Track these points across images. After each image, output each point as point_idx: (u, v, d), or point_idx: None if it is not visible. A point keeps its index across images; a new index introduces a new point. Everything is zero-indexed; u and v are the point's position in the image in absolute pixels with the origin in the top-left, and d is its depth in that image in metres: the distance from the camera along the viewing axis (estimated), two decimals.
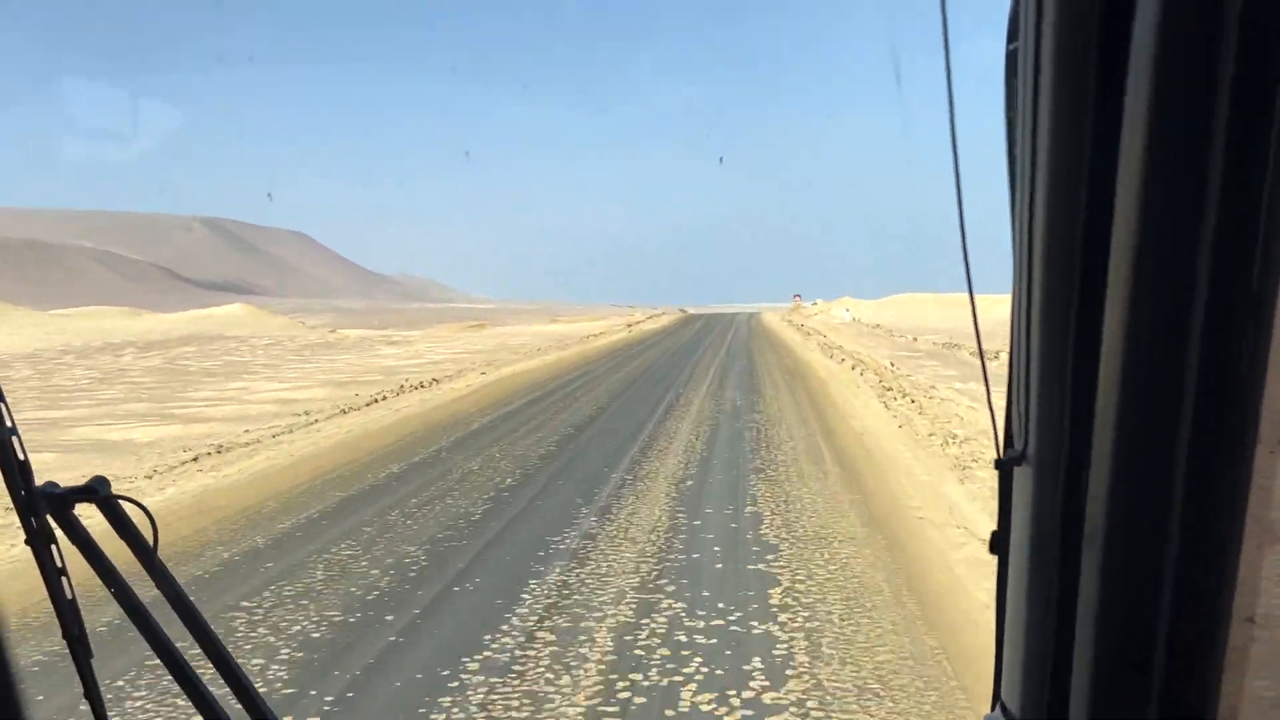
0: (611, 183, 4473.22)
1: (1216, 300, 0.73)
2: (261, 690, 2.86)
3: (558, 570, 7.92)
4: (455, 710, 5.30)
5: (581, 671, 5.74)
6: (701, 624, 6.52)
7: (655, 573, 7.77)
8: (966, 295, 1.00)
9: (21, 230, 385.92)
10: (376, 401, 20.41)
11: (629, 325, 67.57)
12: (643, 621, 6.60)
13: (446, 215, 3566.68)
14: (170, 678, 1.43)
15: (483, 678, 5.70)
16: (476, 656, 6.04)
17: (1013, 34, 0.87)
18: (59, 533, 1.34)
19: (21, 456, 1.28)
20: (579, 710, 5.23)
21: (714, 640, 6.21)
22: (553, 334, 55.55)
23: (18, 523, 1.36)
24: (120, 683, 5.73)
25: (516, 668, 5.83)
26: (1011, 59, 0.88)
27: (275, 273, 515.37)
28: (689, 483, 11.48)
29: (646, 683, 5.56)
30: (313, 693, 5.58)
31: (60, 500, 1.32)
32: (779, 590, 7.25)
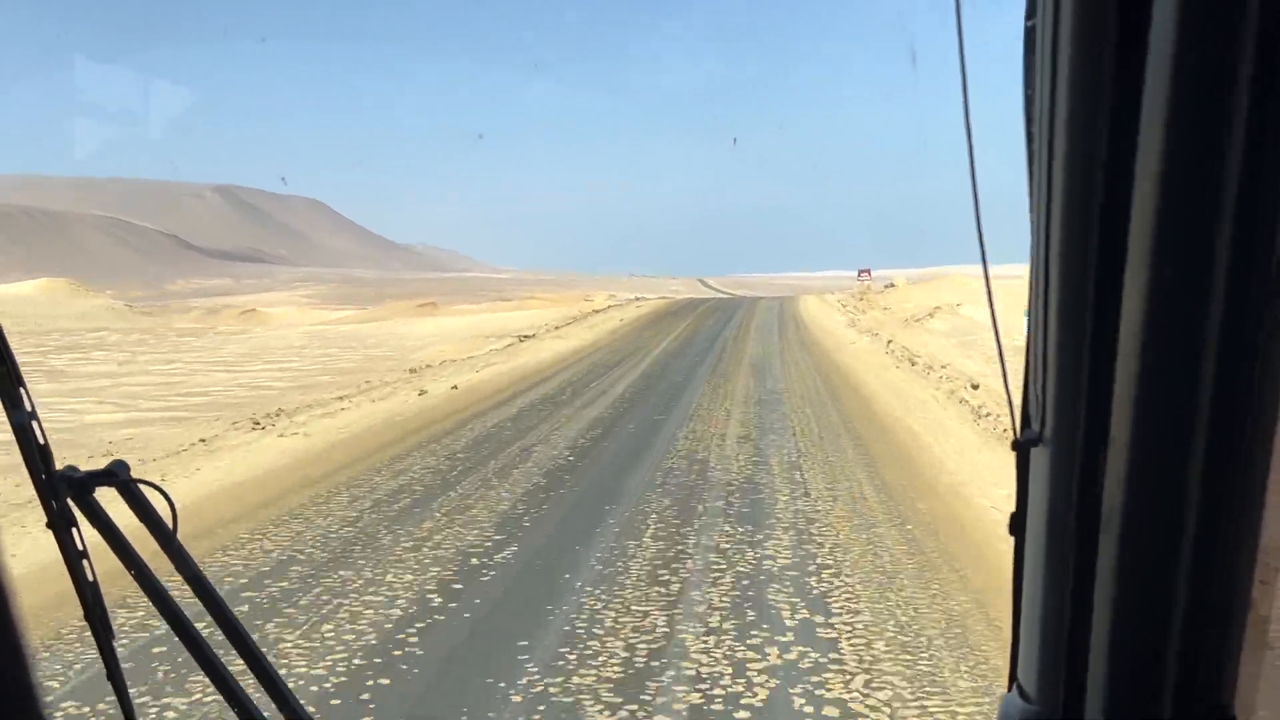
0: (631, 157, 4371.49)
1: (1236, 281, 0.72)
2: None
3: None
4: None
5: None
6: None
7: None
8: None
9: (25, 198, 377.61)
10: None
11: (552, 329, 33.60)
12: None
13: (474, 188, 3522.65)
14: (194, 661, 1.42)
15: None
16: None
17: (1031, 10, 0.85)
18: (80, 516, 1.36)
19: (42, 441, 1.30)
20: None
21: None
22: (460, 334, 33.26)
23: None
24: None
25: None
26: (1029, 35, 0.86)
27: (290, 241, 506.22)
28: None
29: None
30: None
31: (80, 484, 1.34)
32: None
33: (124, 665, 1.45)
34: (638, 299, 60.97)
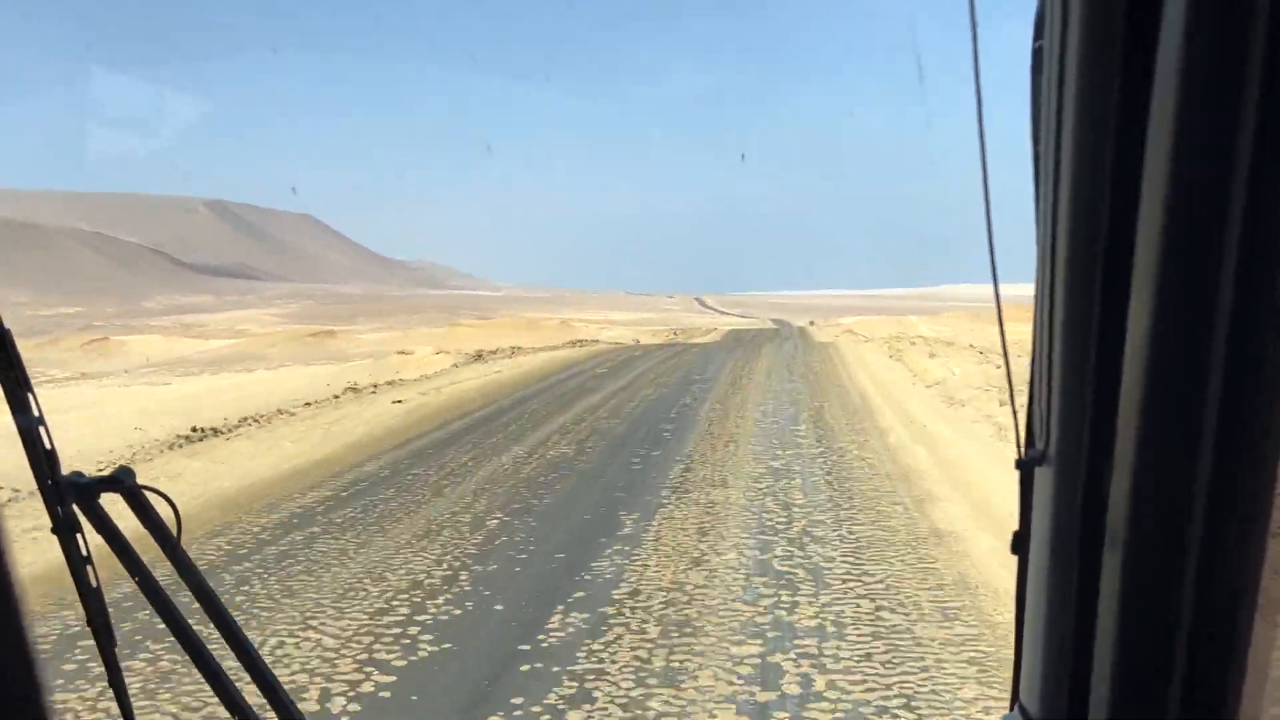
0: (635, 173, 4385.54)
1: (1241, 300, 0.72)
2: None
3: None
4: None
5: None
6: None
7: None
8: None
9: (9, 211, 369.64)
10: None
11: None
12: None
13: (473, 204, 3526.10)
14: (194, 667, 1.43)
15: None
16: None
17: (1039, 31, 0.86)
18: (84, 522, 1.37)
19: (48, 446, 1.32)
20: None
21: None
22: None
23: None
24: None
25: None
26: (1037, 56, 0.87)
27: (281, 257, 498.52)
28: None
29: None
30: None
31: (86, 489, 1.36)
32: None
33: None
34: (496, 353, 32.65)
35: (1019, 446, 0.97)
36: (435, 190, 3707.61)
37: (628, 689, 5.44)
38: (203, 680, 1.50)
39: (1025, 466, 0.95)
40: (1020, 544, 0.99)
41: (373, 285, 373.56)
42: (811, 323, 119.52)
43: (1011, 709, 1.00)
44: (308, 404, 18.97)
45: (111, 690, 1.44)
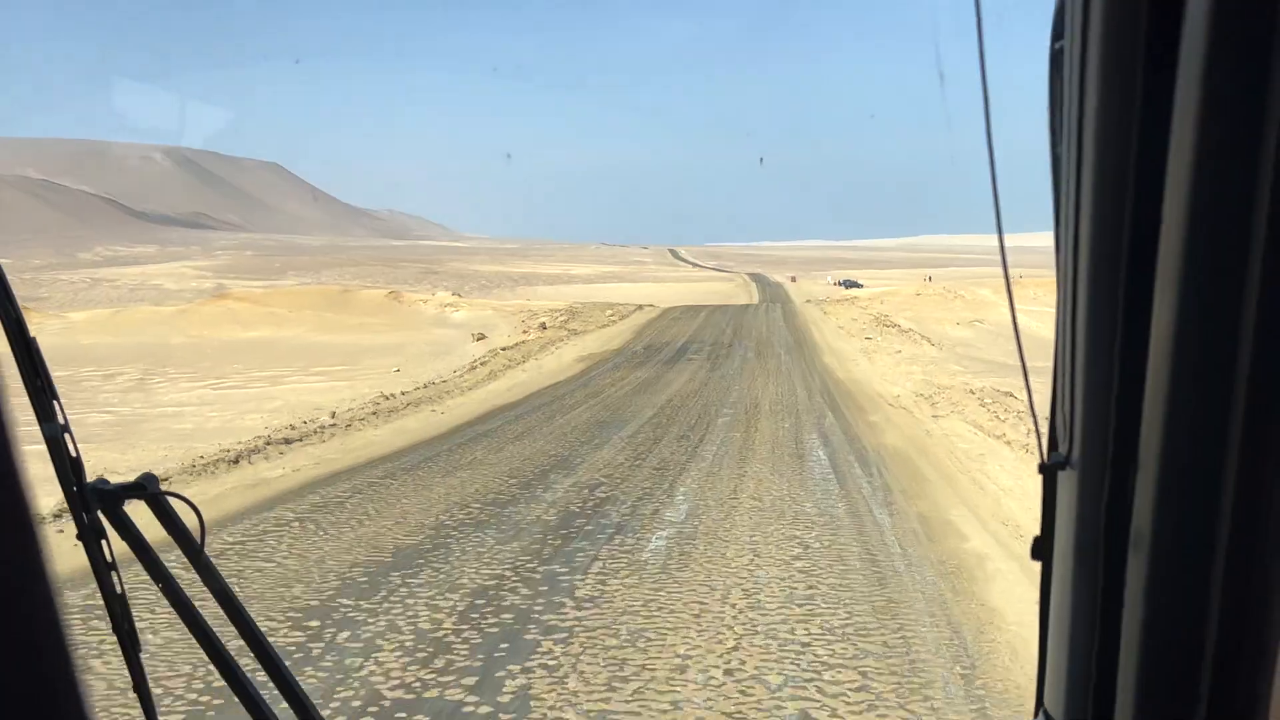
0: (615, 124, 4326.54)
1: (1264, 305, 0.71)
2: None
3: None
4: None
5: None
6: None
7: None
8: None
9: None
10: None
11: None
12: None
13: (448, 155, 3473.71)
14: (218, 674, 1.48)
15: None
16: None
17: (1058, 32, 0.85)
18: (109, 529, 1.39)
19: (74, 453, 1.33)
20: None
21: None
22: None
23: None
24: None
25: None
26: (1056, 58, 0.86)
27: (242, 206, 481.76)
28: None
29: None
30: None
31: (110, 496, 1.36)
32: None
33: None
34: None
35: (1041, 451, 0.95)
36: (409, 144, 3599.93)
37: None
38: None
39: (1048, 471, 0.93)
40: (1042, 548, 0.96)
41: (335, 237, 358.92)
42: (793, 278, 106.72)
43: (1036, 714, 0.98)
44: None
45: (136, 695, 1.43)
